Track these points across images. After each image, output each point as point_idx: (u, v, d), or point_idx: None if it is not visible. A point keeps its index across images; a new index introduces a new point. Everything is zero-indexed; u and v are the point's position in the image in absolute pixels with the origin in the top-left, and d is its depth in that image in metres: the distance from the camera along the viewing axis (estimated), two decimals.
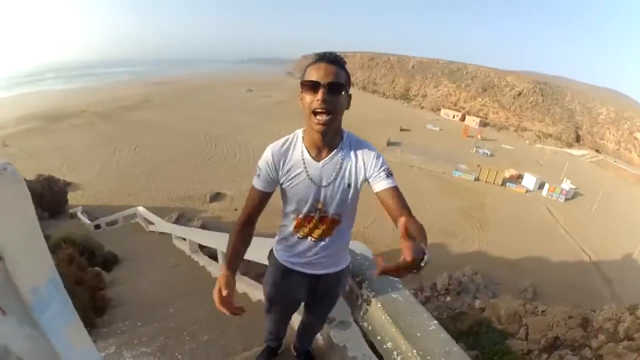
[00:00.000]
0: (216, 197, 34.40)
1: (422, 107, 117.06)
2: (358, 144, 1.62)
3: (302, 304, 2.12)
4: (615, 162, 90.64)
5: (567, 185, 54.14)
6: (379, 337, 1.83)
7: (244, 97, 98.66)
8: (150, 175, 37.24)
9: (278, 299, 1.95)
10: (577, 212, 48.10)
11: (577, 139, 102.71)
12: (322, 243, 1.70)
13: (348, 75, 1.50)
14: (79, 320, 1.74)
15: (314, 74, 1.41)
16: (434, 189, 46.40)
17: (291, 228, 1.71)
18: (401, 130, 78.78)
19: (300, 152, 1.57)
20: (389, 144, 64.81)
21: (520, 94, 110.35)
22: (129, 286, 5.21)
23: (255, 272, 5.38)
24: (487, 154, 70.04)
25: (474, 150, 70.86)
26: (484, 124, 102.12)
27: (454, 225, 36.35)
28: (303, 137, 1.59)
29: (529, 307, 11.44)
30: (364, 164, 1.58)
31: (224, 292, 1.34)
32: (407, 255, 1.16)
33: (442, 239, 32.44)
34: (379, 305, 1.82)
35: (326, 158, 1.57)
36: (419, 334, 1.64)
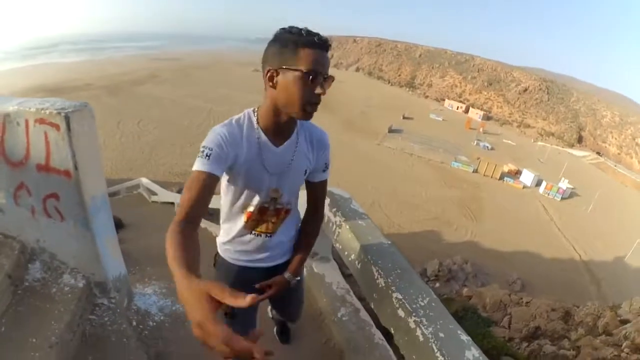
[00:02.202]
0: None
1: (427, 97, 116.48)
2: (313, 128, 1.50)
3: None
4: (615, 166, 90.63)
5: (564, 184, 54.21)
6: (346, 253, 2.35)
7: (250, 76, 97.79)
8: (152, 150, 37.23)
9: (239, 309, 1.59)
10: (572, 211, 48.36)
11: (579, 139, 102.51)
12: (275, 236, 1.60)
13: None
14: (116, 236, 2.15)
15: (313, 61, 1.20)
16: (432, 177, 46.55)
17: (241, 224, 1.53)
18: (404, 118, 78.46)
19: (255, 136, 1.36)
20: (391, 130, 64.68)
21: (525, 90, 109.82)
22: (135, 243, 5.41)
23: None
24: (487, 147, 70.01)
25: (475, 143, 70.80)
26: (487, 118, 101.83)
27: (448, 215, 36.66)
28: (257, 120, 1.37)
29: (514, 298, 11.71)
30: (317, 151, 1.50)
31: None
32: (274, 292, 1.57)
33: (436, 227, 32.77)
34: (347, 227, 2.33)
35: (285, 143, 1.40)
36: (374, 248, 2.16)
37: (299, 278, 1.67)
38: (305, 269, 2.87)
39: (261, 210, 1.48)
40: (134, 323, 2.37)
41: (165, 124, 45.22)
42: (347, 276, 3.06)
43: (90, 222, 1.95)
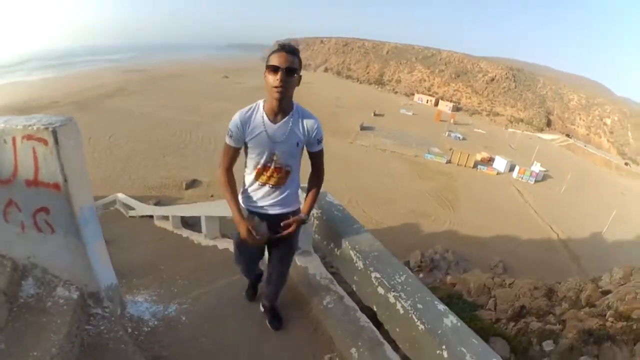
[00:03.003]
0: (192, 184, 33.98)
1: (396, 92, 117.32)
2: (305, 114, 2.13)
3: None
4: (585, 146, 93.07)
5: (537, 167, 55.35)
6: (325, 242, 2.61)
7: (220, 83, 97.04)
8: (126, 164, 36.30)
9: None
10: (547, 193, 49.43)
11: (548, 123, 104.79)
12: (277, 188, 2.20)
13: (300, 61, 1.96)
14: (105, 245, 2.22)
15: (276, 60, 1.86)
16: (407, 171, 46.90)
17: (253, 176, 2.18)
18: (375, 115, 78.95)
19: (261, 116, 2.04)
20: (363, 128, 64.88)
21: (493, 79, 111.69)
22: (118, 258, 5.42)
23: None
24: (459, 137, 70.85)
25: (446, 134, 71.54)
26: (457, 109, 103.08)
27: (425, 206, 36.97)
28: (263, 106, 2.05)
29: (497, 280, 11.91)
30: (308, 130, 2.10)
31: (251, 235, 2.07)
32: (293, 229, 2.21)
33: (414, 219, 33.05)
34: (325, 218, 2.64)
35: (280, 122, 2.05)
36: (351, 234, 2.44)
37: (308, 217, 2.30)
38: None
39: (265, 166, 2.13)
40: (129, 330, 2.44)
41: (137, 137, 44.35)
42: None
43: (80, 232, 2.02)
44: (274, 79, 1.88)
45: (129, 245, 6.95)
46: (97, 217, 2.21)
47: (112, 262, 2.39)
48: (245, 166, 2.22)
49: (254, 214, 2.23)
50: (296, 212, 2.31)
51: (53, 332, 1.87)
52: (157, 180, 33.85)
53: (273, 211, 2.24)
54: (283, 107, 2.02)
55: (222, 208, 4.76)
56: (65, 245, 2.07)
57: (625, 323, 6.40)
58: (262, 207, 2.24)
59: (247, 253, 2.56)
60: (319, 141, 2.17)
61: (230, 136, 2.06)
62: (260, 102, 2.08)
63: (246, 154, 2.17)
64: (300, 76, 1.99)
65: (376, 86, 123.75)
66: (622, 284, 9.16)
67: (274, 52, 1.92)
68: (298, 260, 3.11)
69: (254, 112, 2.06)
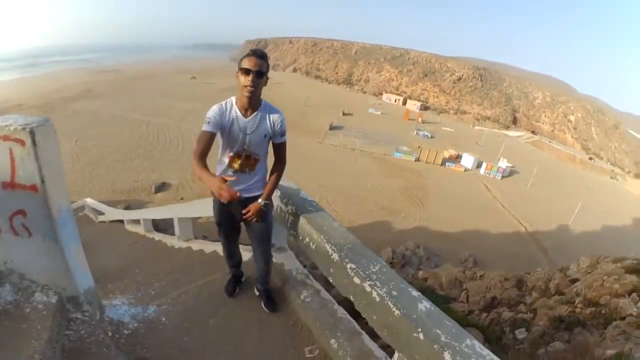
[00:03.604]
0: (161, 187, 33.43)
1: (365, 92, 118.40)
2: (271, 110, 2.43)
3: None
4: (550, 142, 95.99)
5: (503, 163, 56.81)
6: (300, 237, 2.69)
7: (188, 84, 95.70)
8: (93, 169, 35.32)
9: (223, 217, 2.70)
10: (514, 188, 50.68)
11: (514, 121, 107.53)
12: (247, 174, 2.47)
13: (268, 65, 2.29)
14: (82, 248, 2.21)
15: (247, 63, 2.18)
16: (376, 170, 47.32)
17: (226, 163, 2.43)
18: (344, 114, 79.64)
19: (234, 111, 2.33)
20: (332, 128, 65.26)
21: (460, 79, 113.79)
22: (90, 264, 5.34)
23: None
24: (427, 136, 71.94)
25: (414, 133, 72.58)
26: (425, 108, 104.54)
27: (395, 204, 37.45)
28: (236, 102, 2.34)
29: (468, 273, 12.19)
30: (274, 123, 2.41)
31: (225, 189, 2.05)
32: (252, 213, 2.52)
33: (384, 217, 33.47)
34: (299, 214, 2.74)
35: (251, 116, 2.35)
36: (325, 228, 2.55)
37: (268, 202, 2.57)
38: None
39: (237, 154, 2.40)
40: (110, 333, 2.42)
41: (104, 141, 43.27)
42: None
43: (58, 235, 2.00)
44: (245, 80, 2.19)
45: (100, 250, 6.79)
46: (74, 218, 2.20)
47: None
48: (219, 156, 2.47)
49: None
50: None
51: (34, 338, 1.84)
52: (126, 184, 33.22)
53: (245, 194, 2.46)
54: (253, 103, 2.32)
55: (194, 209, 4.79)
56: (44, 249, 2.05)
57: (594, 309, 6.62)
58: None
59: (225, 230, 2.82)
60: (283, 134, 2.48)
61: (208, 122, 2.23)
62: (233, 99, 2.36)
63: (222, 141, 2.40)
64: (267, 77, 2.30)
65: (345, 86, 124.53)
66: (589, 272, 9.45)
67: (246, 56, 2.23)
68: (274, 257, 3.16)
69: (228, 107, 2.34)
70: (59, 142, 2.00)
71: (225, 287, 3.12)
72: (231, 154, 2.41)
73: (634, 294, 6.60)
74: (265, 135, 2.41)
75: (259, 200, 2.52)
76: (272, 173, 2.57)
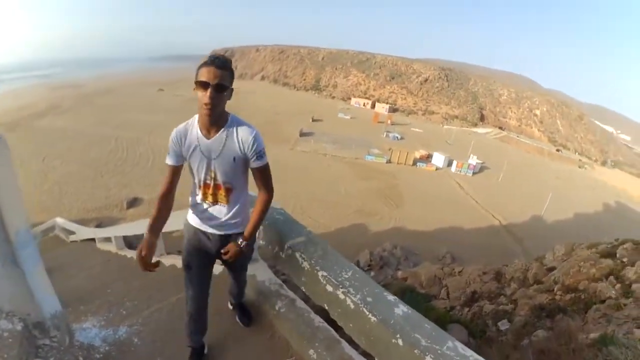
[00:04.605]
0: (133, 202, 32.83)
1: (333, 97, 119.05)
2: (240, 125, 1.99)
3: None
4: (517, 137, 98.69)
5: (474, 160, 57.95)
6: (270, 247, 2.61)
7: (156, 96, 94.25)
8: (62, 187, 34.42)
9: (193, 255, 2.24)
10: (485, 183, 51.77)
11: (482, 118, 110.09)
12: (222, 207, 2.12)
13: (232, 74, 1.87)
14: (45, 270, 2.11)
15: (205, 75, 1.77)
16: (348, 173, 47.67)
17: (199, 196, 2.12)
18: (313, 120, 79.78)
19: (195, 132, 1.95)
20: (302, 134, 65.34)
21: (426, 80, 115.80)
22: (63, 286, 5.17)
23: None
24: (397, 137, 72.91)
25: (384, 135, 73.40)
26: (393, 110, 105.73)
27: (370, 206, 37.74)
28: (198, 120, 1.96)
29: (447, 270, 12.29)
30: (243, 144, 1.95)
31: (143, 252, 1.90)
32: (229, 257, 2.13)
33: (360, 219, 33.65)
34: (267, 223, 2.60)
35: (214, 136, 1.94)
36: (294, 236, 2.45)
37: (247, 242, 2.15)
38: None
39: (205, 184, 2.06)
40: (81, 359, 2.32)
41: (72, 157, 42.21)
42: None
43: (18, 258, 1.91)
44: (203, 96, 1.79)
45: (72, 271, 6.62)
46: (35, 240, 2.09)
47: (57, 291, 2.27)
48: (192, 181, 2.13)
49: (200, 232, 2.19)
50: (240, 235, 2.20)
51: None
52: (97, 201, 32.61)
53: (219, 232, 2.17)
54: (215, 121, 1.92)
55: (165, 223, 4.64)
56: (4, 274, 1.93)
57: (573, 295, 6.73)
58: (211, 226, 2.16)
59: (195, 276, 2.30)
60: (260, 155, 2.00)
61: (169, 154, 1.99)
62: (196, 117, 1.98)
63: (190, 169, 2.07)
64: (231, 90, 1.90)
65: (313, 92, 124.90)
66: (565, 260, 9.66)
67: (203, 65, 1.82)
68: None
69: (190, 127, 1.97)
70: (15, 163, 1.89)
71: None
72: (200, 184, 2.06)
73: (611, 277, 6.76)
74: (235, 159, 1.97)
75: (239, 240, 2.12)
76: (255, 208, 2.14)
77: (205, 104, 1.80)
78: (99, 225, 23.50)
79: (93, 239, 8.91)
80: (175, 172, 2.01)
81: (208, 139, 1.94)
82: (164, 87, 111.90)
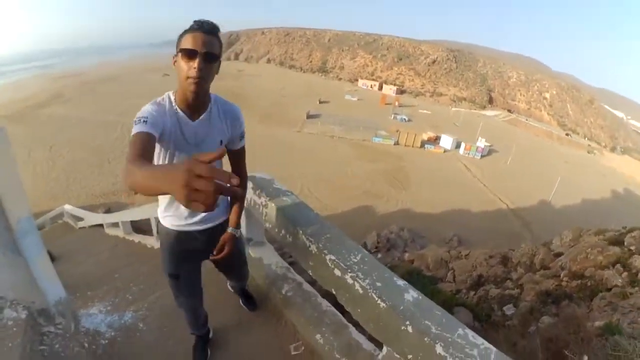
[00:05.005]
0: None
1: (340, 79, 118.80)
2: (225, 105, 1.74)
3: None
4: (526, 120, 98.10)
5: (482, 143, 57.58)
6: (276, 230, 2.48)
7: (161, 82, 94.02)
8: (70, 174, 34.55)
9: (180, 261, 1.98)
10: (493, 166, 51.45)
11: (490, 101, 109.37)
12: None
13: (221, 44, 1.57)
14: (48, 257, 2.08)
15: (191, 42, 1.45)
16: (356, 155, 47.59)
17: None
18: (320, 102, 79.65)
19: (174, 113, 1.60)
20: (309, 116, 65.28)
21: (434, 61, 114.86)
22: (71, 272, 5.20)
23: None
24: (405, 119, 72.68)
25: (392, 117, 73.40)
26: (401, 92, 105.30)
27: (377, 188, 37.72)
28: (175, 99, 1.62)
29: (454, 253, 12.31)
30: (232, 124, 1.75)
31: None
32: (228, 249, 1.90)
33: (367, 201, 33.63)
34: (273, 205, 2.47)
35: (200, 117, 1.64)
36: (301, 219, 2.34)
37: (240, 230, 1.98)
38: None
39: None
40: (86, 345, 2.31)
41: (78, 145, 42.36)
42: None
43: (20, 246, 1.88)
44: (189, 67, 1.46)
45: (81, 257, 6.68)
46: (36, 227, 2.06)
47: (65, 277, 2.24)
48: None
49: (184, 234, 1.91)
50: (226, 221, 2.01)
51: (5, 357, 1.74)
52: (104, 187, 32.72)
53: (205, 226, 1.92)
54: (201, 100, 1.62)
55: None
56: (6, 262, 1.92)
57: (579, 281, 6.71)
58: (193, 224, 1.89)
59: (184, 284, 2.08)
60: (243, 136, 1.84)
61: (144, 122, 1.46)
62: (170, 95, 1.64)
63: (159, 161, 1.68)
64: (220, 61, 1.60)
65: (320, 74, 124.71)
66: (573, 246, 9.62)
67: (188, 31, 1.49)
68: (252, 251, 3.05)
69: (166, 107, 1.61)
70: (24, 154, 1.86)
71: (193, 356, 2.34)
72: None
73: (618, 265, 6.71)
74: (221, 142, 1.73)
75: (229, 229, 1.94)
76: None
77: (193, 77, 1.47)
78: (107, 211, 23.64)
79: (101, 225, 8.98)
80: (151, 140, 1.44)
81: (193, 120, 1.64)
82: (169, 72, 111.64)
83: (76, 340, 2.22)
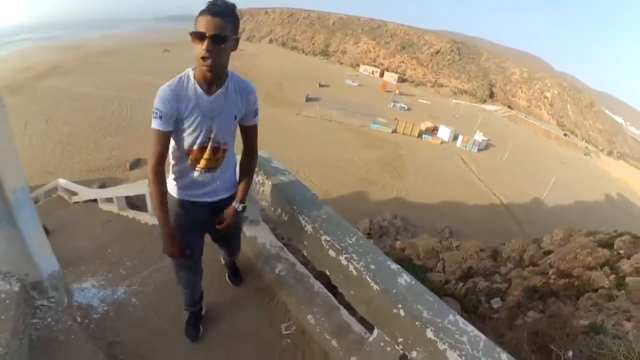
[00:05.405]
0: (136, 163, 32.55)
1: (342, 63, 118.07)
2: (240, 82, 1.83)
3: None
4: (526, 117, 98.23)
5: (479, 137, 57.66)
6: (272, 208, 2.49)
7: (161, 57, 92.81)
8: (65, 148, 34.15)
9: (189, 233, 2.04)
10: (489, 161, 51.61)
11: (491, 95, 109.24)
12: (214, 172, 1.93)
13: (234, 23, 1.62)
14: (43, 229, 2.07)
15: (200, 25, 1.54)
16: (353, 141, 47.57)
17: (187, 163, 1.87)
18: (320, 85, 79.19)
19: (193, 87, 1.71)
20: (308, 99, 64.98)
21: (438, 52, 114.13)
22: (65, 246, 5.18)
23: None
24: (404, 108, 72.56)
25: (391, 105, 73.21)
26: (402, 80, 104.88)
27: (372, 175, 37.86)
28: (194, 75, 1.71)
29: (445, 244, 12.43)
30: (247, 101, 1.84)
31: (174, 252, 1.91)
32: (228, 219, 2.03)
33: (361, 187, 33.82)
34: (270, 184, 2.49)
35: (216, 93, 1.74)
36: (298, 198, 2.34)
37: (245, 205, 2.06)
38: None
39: (201, 149, 1.83)
40: (79, 319, 2.32)
41: (75, 119, 41.79)
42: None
43: (15, 217, 1.84)
44: (199, 49, 1.57)
45: (75, 232, 6.65)
46: (31, 198, 2.04)
47: (58, 251, 2.22)
48: (175, 149, 1.87)
49: (194, 204, 1.99)
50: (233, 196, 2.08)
51: None
52: (99, 162, 32.56)
53: (215, 198, 2.01)
54: (217, 76, 1.72)
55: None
56: (1, 233, 1.89)
57: (567, 280, 6.80)
58: (201, 195, 1.98)
59: (191, 255, 2.11)
60: (256, 113, 1.92)
61: (160, 117, 1.66)
62: (190, 71, 1.74)
63: (176, 137, 1.81)
64: (235, 39, 1.67)
65: (322, 57, 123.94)
66: (563, 245, 9.75)
67: (200, 13, 1.58)
68: (247, 230, 3.04)
69: (184, 83, 1.73)
70: (20, 124, 1.82)
71: (185, 329, 2.40)
72: (194, 148, 1.82)
73: (606, 267, 6.80)
74: (236, 117, 1.83)
75: (234, 203, 2.02)
76: (244, 169, 2.06)
77: (203, 58, 1.58)
78: (102, 186, 23.50)
79: (95, 200, 8.93)
80: (168, 139, 1.75)
81: (209, 95, 1.73)
82: (169, 47, 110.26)
83: (69, 314, 2.21)
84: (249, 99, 1.84)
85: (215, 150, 1.85)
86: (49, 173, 26.00)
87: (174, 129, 1.74)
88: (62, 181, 12.08)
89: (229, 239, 2.46)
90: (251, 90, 1.86)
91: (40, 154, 32.17)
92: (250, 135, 1.98)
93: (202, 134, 1.78)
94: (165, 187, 1.84)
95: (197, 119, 1.74)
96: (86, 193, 10.06)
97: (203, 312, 2.51)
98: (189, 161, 1.86)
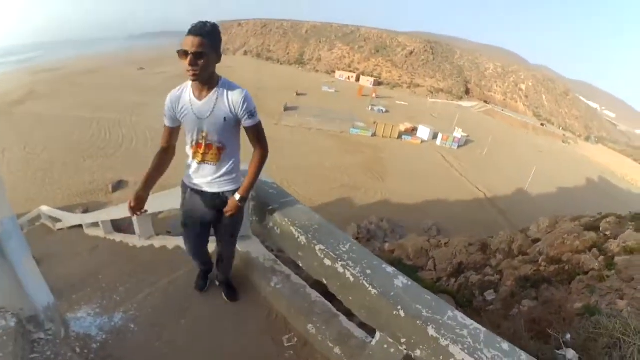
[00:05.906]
0: (119, 185, 32.16)
1: (317, 71, 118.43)
2: (230, 87, 2.10)
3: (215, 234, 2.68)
4: (502, 110, 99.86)
5: (459, 133, 58.31)
6: (264, 222, 2.55)
7: (136, 76, 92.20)
8: (46, 174, 33.34)
9: (189, 215, 2.44)
10: (470, 156, 52.20)
11: (467, 92, 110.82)
12: (211, 165, 2.23)
13: (213, 40, 1.95)
14: (33, 260, 2.04)
15: (185, 44, 1.89)
16: (334, 147, 47.67)
17: (190, 155, 2.23)
18: (297, 94, 79.39)
19: (188, 94, 2.10)
20: (286, 109, 64.98)
21: (412, 53, 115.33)
22: (53, 275, 5.09)
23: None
24: (382, 110, 72.98)
25: (369, 108, 73.57)
26: (378, 83, 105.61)
27: (355, 180, 37.89)
28: (191, 84, 2.09)
29: (433, 242, 12.52)
30: (234, 104, 2.07)
31: (132, 204, 2.25)
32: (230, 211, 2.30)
33: (345, 193, 33.85)
34: (259, 198, 2.60)
35: (205, 98, 2.07)
36: (289, 210, 2.43)
37: (244, 197, 2.28)
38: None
39: (197, 144, 2.17)
40: (78, 350, 2.27)
41: (54, 143, 40.93)
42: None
43: (5, 249, 1.81)
44: (185, 64, 1.91)
45: (62, 259, 6.51)
46: (20, 228, 1.99)
47: (48, 281, 2.19)
48: (186, 147, 2.26)
49: (194, 192, 2.34)
50: (235, 192, 2.31)
51: None
52: (81, 186, 31.94)
53: (210, 189, 2.30)
54: (204, 83, 2.05)
55: (152, 204, 4.54)
56: None
57: (557, 266, 6.89)
58: (199, 184, 2.30)
59: (192, 234, 2.58)
60: (251, 114, 2.13)
61: (165, 116, 2.17)
62: (189, 81, 2.10)
63: (184, 131, 2.24)
64: (215, 55, 2.00)
65: (297, 66, 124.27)
66: (550, 232, 9.88)
67: (186, 34, 1.93)
68: (239, 246, 3.03)
69: (183, 91, 2.12)
70: (7, 149, 1.79)
71: (195, 282, 2.89)
72: (192, 143, 2.18)
73: (594, 250, 6.91)
74: (225, 119, 2.09)
75: (236, 195, 2.26)
76: (250, 165, 2.28)
77: (188, 71, 1.92)
78: (85, 211, 23.12)
79: (80, 226, 8.78)
80: (172, 132, 2.23)
81: (200, 100, 2.07)
82: (144, 65, 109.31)
83: (67, 346, 2.18)
84: (237, 103, 2.07)
85: (209, 147, 2.17)
86: (31, 200, 25.43)
87: (183, 126, 2.20)
88: (45, 208, 11.83)
89: (225, 239, 2.63)
90: (239, 94, 2.08)
91: (21, 182, 31.38)
92: (250, 134, 2.21)
93: (195, 133, 2.14)
94: (158, 164, 2.26)
95: (190, 120, 2.11)
96: (70, 219, 9.85)
97: (213, 270, 2.94)
98: (192, 154, 2.23)
